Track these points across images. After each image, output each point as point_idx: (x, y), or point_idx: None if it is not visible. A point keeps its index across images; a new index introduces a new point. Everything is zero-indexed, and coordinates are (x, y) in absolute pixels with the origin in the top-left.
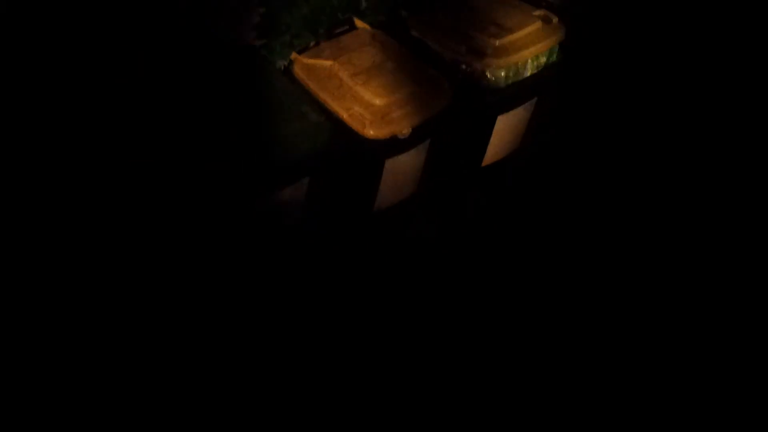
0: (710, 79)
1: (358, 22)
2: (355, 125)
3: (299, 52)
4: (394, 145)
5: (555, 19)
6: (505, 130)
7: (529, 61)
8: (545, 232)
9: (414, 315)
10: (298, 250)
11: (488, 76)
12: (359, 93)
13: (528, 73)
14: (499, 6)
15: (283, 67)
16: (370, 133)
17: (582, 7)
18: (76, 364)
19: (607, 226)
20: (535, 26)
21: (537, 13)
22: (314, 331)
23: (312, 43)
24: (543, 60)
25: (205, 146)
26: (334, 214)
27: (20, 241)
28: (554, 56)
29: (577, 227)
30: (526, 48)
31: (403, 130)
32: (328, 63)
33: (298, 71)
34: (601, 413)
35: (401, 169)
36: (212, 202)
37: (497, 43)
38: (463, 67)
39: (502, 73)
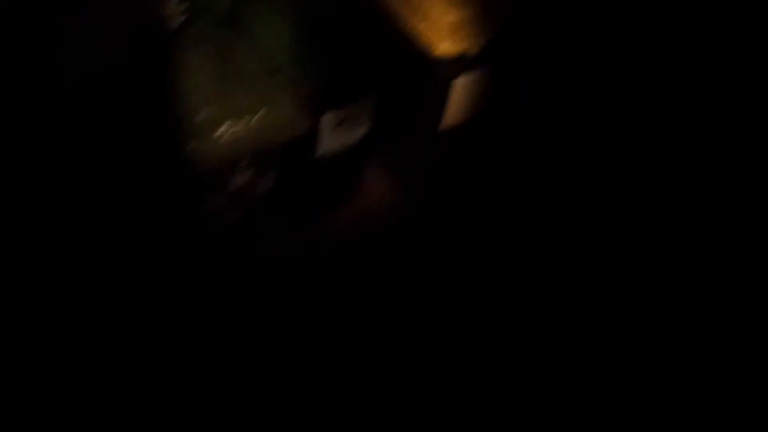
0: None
1: None
2: (424, 42)
3: None
4: (462, 63)
5: None
6: None
7: None
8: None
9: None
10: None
11: None
12: (427, 10)
13: None
14: None
15: None
16: (439, 50)
17: None
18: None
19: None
20: None
21: None
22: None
23: None
24: None
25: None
26: (400, 134)
27: None
28: None
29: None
30: None
31: (473, 48)
32: None
33: None
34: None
35: (468, 89)
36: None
37: None
38: None
39: None
